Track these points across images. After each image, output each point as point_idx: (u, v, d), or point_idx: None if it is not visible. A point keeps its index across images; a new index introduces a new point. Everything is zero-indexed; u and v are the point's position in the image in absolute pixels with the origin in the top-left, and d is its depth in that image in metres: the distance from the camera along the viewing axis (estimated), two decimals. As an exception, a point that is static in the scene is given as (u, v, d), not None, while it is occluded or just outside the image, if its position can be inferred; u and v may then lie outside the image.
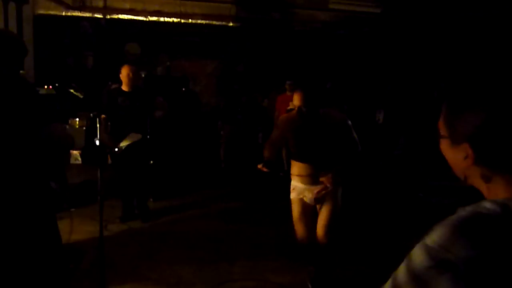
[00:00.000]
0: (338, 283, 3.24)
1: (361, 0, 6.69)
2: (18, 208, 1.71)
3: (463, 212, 0.80)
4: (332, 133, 2.92)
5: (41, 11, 6.43)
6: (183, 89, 6.92)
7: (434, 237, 0.79)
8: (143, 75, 5.51)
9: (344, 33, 7.36)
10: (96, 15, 6.66)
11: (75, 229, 3.70)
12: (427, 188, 5.71)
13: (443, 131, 0.90)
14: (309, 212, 3.05)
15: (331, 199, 2.99)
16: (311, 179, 2.97)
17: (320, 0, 6.80)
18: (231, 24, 6.93)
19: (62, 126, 1.92)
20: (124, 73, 4.37)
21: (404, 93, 7.57)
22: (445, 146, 0.91)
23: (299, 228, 3.04)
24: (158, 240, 4.09)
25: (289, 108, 6.85)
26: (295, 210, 3.07)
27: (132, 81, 4.40)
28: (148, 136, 4.52)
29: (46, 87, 3.99)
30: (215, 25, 6.96)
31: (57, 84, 2.42)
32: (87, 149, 6.62)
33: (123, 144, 4.32)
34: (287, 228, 4.33)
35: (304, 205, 3.03)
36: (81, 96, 2.31)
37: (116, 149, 3.32)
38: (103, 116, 4.18)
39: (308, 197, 3.00)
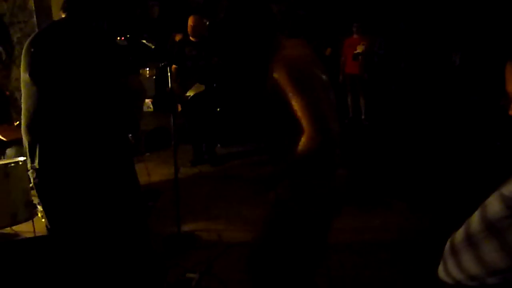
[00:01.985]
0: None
1: None
2: (101, 157, 1.87)
3: None
4: None
5: (109, -37, 6.58)
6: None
7: (511, 187, 0.77)
8: (207, 23, 5.53)
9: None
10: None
11: (151, 171, 4.02)
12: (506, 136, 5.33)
13: None
14: None
15: None
16: None
17: None
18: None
19: (137, 77, 2.03)
20: (190, 23, 4.44)
21: (483, 34, 6.87)
22: None
23: None
24: (226, 183, 4.32)
25: (356, 52, 6.59)
26: None
27: (197, 31, 4.46)
28: (215, 85, 4.63)
29: (118, 38, 4.20)
30: (277, -34, 6.67)
31: (128, 35, 2.53)
32: (158, 97, 6.96)
33: (189, 93, 4.49)
34: (351, 173, 4.33)
35: None
36: (153, 47, 2.41)
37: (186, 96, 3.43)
38: (174, 66, 4.34)
39: None
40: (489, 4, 6.60)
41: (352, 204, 3.75)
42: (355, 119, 6.90)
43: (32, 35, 1.94)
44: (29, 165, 1.87)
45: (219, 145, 5.34)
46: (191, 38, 4.51)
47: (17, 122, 3.42)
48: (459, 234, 0.86)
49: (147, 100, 6.85)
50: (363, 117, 6.84)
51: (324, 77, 1.52)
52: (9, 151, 3.22)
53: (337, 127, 1.44)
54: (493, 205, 0.79)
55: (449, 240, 0.90)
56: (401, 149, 5.22)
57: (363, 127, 6.65)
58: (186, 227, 3.20)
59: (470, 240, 0.82)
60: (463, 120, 6.07)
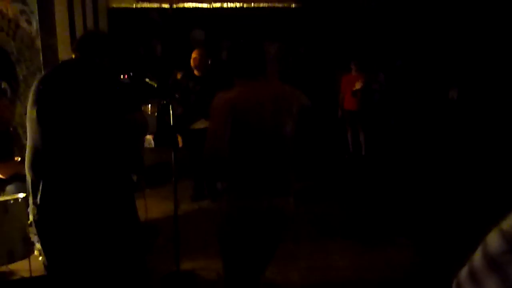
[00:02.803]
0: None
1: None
2: (103, 195, 1.87)
3: None
4: None
5: (114, 5, 6.85)
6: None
7: (510, 221, 0.78)
8: (209, 61, 5.67)
9: (414, 8, 6.95)
10: (163, 5, 6.94)
11: (151, 207, 3.99)
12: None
13: None
14: None
15: None
16: None
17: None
18: (293, 5, 6.86)
19: (142, 114, 2.07)
20: (194, 55, 4.51)
21: (483, 68, 7.01)
22: None
23: None
24: (227, 220, 4.26)
25: (354, 89, 6.70)
26: None
27: (202, 64, 4.51)
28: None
29: (122, 76, 4.29)
30: (277, 7, 6.93)
31: (131, 74, 2.59)
32: (159, 133, 7.02)
33: (194, 127, 4.53)
34: (353, 209, 4.29)
35: None
36: (155, 85, 2.47)
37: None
38: (173, 103, 4.40)
39: None
40: (486, 38, 6.78)
41: (356, 241, 3.70)
42: (355, 155, 6.91)
43: (42, 74, 1.99)
44: (30, 201, 1.87)
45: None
46: (195, 72, 4.56)
47: (19, 158, 3.43)
48: (464, 272, 0.86)
49: (148, 137, 6.90)
50: (363, 152, 6.86)
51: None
52: (9, 187, 3.21)
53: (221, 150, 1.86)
54: (494, 240, 0.79)
55: (455, 279, 0.89)
56: (403, 184, 5.21)
57: (364, 163, 6.66)
58: (185, 265, 3.14)
59: (474, 277, 0.81)
60: (463, 154, 6.08)
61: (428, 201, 4.59)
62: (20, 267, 2.74)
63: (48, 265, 1.94)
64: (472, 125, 6.70)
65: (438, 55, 7.37)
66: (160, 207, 4.32)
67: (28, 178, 1.88)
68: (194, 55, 4.51)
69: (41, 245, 1.94)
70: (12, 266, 2.74)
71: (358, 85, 6.64)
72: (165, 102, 3.09)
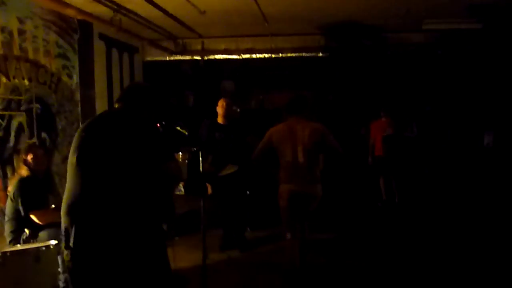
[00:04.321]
0: None
1: (457, 17, 6.29)
2: (136, 243, 1.86)
3: None
4: None
5: (149, 58, 7.22)
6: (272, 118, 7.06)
7: None
8: (238, 110, 5.77)
9: (441, 53, 6.94)
10: (195, 57, 7.24)
11: (181, 256, 3.93)
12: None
13: None
14: None
15: None
16: None
17: (412, 22, 6.55)
18: (320, 54, 7.00)
19: (176, 163, 2.09)
20: (220, 105, 4.63)
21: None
22: None
23: None
24: (256, 270, 4.14)
25: (385, 135, 6.61)
26: None
27: (228, 113, 4.62)
28: (244, 168, 4.68)
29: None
30: (304, 57, 7.08)
31: (163, 123, 2.66)
32: (190, 181, 7.05)
33: (222, 173, 4.54)
34: (377, 263, 4.09)
35: None
36: (186, 133, 2.51)
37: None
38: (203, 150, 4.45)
39: None
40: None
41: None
42: (389, 202, 6.69)
43: (86, 122, 2.07)
44: (63, 246, 1.87)
45: (248, 229, 5.22)
46: (219, 121, 4.65)
47: (53, 206, 3.51)
48: None
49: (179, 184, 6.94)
50: (396, 200, 6.63)
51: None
52: (42, 234, 3.26)
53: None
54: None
55: None
56: (436, 232, 4.95)
57: (397, 210, 6.41)
58: (213, 318, 3.02)
59: None
60: (499, 203, 5.77)
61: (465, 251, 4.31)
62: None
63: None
64: (509, 172, 6.40)
65: (471, 99, 7.23)
66: (189, 256, 4.25)
67: (63, 224, 1.90)
68: (219, 104, 4.62)
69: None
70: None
71: (389, 131, 6.56)
72: (195, 149, 3.13)
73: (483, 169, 6.66)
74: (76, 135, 1.99)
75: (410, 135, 6.87)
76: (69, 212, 1.87)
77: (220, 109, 4.63)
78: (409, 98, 7.31)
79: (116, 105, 2.09)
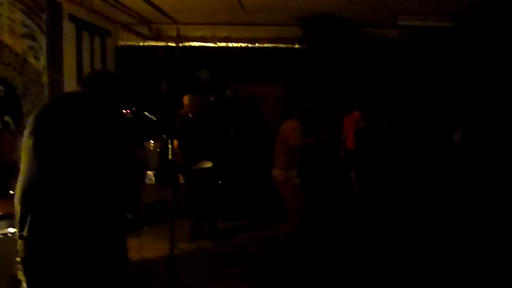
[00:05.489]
0: None
1: (433, 14, 6.38)
2: (92, 233, 1.78)
3: None
4: None
5: (122, 43, 7.00)
6: (247, 109, 7.02)
7: None
8: (212, 99, 5.69)
9: (415, 50, 7.06)
10: (170, 44, 7.09)
11: (148, 246, 3.86)
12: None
13: None
14: None
15: None
16: None
17: (388, 17, 6.61)
18: (297, 46, 6.98)
19: (143, 150, 2.02)
20: (185, 102, 4.54)
21: (484, 110, 7.00)
22: None
23: None
24: (226, 261, 4.12)
25: (357, 128, 6.68)
26: None
27: (193, 110, 4.53)
28: (216, 158, 4.63)
29: (124, 111, 4.30)
30: (281, 48, 7.05)
31: (134, 109, 2.58)
32: (161, 170, 6.95)
33: (195, 167, 4.48)
34: (357, 253, 4.15)
35: None
36: (155, 119, 2.44)
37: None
38: (175, 141, 4.37)
39: None
40: (492, 78, 6.81)
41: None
42: (360, 194, 6.78)
43: (44, 104, 1.96)
44: (17, 235, 1.78)
45: (220, 219, 5.18)
46: (189, 115, 4.58)
47: (12, 192, 3.36)
48: None
49: (149, 172, 6.83)
50: (355, 190, 6.75)
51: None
52: (0, 223, 3.12)
53: None
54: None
55: None
56: (404, 225, 5.06)
57: (368, 202, 6.52)
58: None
59: None
60: (466, 198, 5.95)
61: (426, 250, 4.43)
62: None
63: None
64: (476, 169, 6.60)
65: (442, 96, 7.39)
66: (157, 246, 4.18)
67: (17, 211, 1.80)
68: (184, 100, 4.52)
69: (26, 282, 1.82)
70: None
71: (361, 125, 6.63)
72: (165, 136, 3.06)
73: (451, 163, 6.84)
74: (32, 117, 1.89)
75: (382, 129, 6.97)
76: (24, 199, 1.78)
77: (185, 106, 4.55)
78: (382, 92, 7.41)
79: (79, 89, 2.00)
